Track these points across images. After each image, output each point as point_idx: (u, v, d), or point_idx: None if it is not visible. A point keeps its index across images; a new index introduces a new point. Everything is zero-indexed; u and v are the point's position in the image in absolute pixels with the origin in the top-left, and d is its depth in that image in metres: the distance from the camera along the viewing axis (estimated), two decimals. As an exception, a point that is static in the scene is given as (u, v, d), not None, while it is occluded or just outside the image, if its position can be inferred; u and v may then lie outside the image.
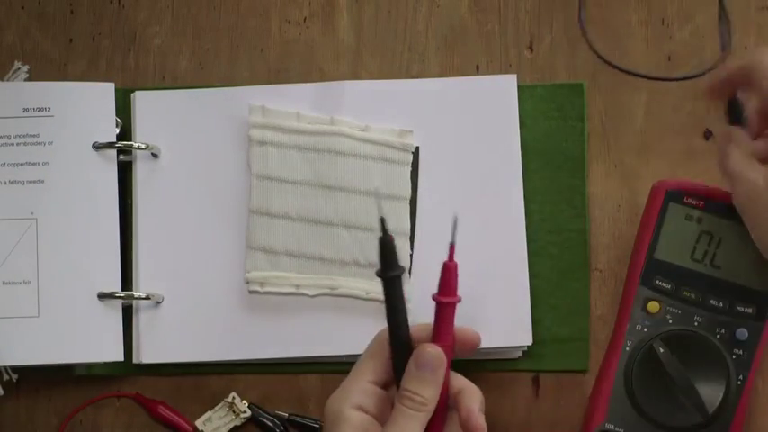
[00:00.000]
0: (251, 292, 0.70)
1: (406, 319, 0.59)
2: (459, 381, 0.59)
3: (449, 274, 0.58)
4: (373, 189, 0.70)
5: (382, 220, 0.58)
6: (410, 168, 0.71)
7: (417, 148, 0.71)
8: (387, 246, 0.58)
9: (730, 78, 0.60)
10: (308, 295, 0.69)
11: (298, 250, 0.70)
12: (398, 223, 0.70)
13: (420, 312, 0.69)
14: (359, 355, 0.69)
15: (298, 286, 0.69)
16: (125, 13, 0.75)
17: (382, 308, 0.69)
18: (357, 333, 0.69)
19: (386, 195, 0.70)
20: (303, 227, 0.70)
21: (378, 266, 0.57)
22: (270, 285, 0.69)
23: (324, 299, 0.70)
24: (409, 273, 0.70)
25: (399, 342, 0.58)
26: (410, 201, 0.70)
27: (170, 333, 0.70)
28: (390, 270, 0.58)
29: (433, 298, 0.59)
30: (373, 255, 0.69)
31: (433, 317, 0.59)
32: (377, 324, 0.69)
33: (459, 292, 0.69)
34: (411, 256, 0.70)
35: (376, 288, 0.69)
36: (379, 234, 0.57)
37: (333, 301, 0.70)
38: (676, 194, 0.67)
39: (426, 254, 0.70)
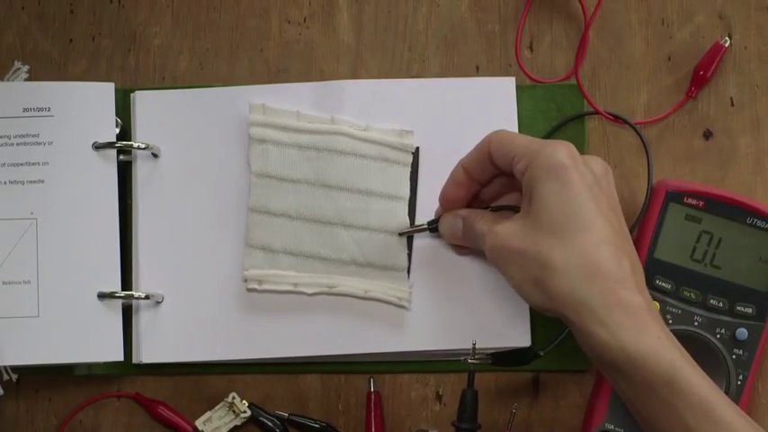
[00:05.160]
0: (249, 290, 0.70)
1: None
2: None
3: None
4: (374, 190, 0.70)
5: (471, 374, 0.64)
6: (410, 169, 0.71)
7: (417, 148, 0.71)
8: (467, 398, 0.64)
9: (469, 166, 0.65)
10: (306, 294, 0.69)
11: (296, 249, 0.70)
12: (396, 223, 0.70)
13: (420, 314, 0.69)
14: (359, 354, 0.69)
15: (296, 284, 0.69)
16: (125, 13, 0.75)
17: (381, 307, 0.69)
18: (356, 333, 0.69)
19: (384, 195, 0.70)
20: (302, 225, 0.70)
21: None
22: (268, 283, 0.69)
23: (323, 299, 0.70)
24: (408, 273, 0.70)
25: None
26: (409, 201, 0.70)
27: (170, 333, 0.70)
28: (465, 422, 0.64)
29: None
30: (372, 254, 0.69)
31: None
32: (375, 324, 0.69)
33: (460, 291, 0.70)
34: (409, 255, 0.70)
35: (375, 287, 0.69)
36: (469, 360, 0.64)
37: (332, 300, 0.70)
38: (676, 194, 0.67)
39: (425, 254, 0.70)
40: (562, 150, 0.58)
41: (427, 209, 0.70)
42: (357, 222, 0.70)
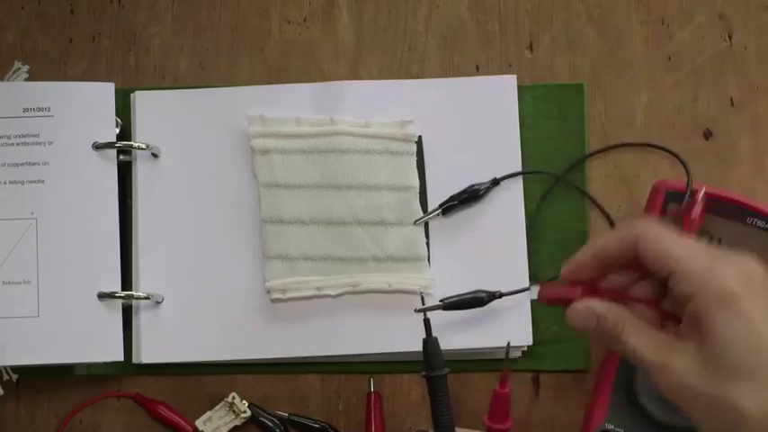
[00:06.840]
0: (273, 300, 0.69)
1: (451, 415, 0.62)
2: None
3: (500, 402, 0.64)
4: (381, 183, 0.70)
5: (427, 322, 0.63)
6: (415, 158, 0.71)
7: (420, 137, 0.71)
8: (430, 347, 0.63)
9: (604, 254, 0.53)
10: (330, 296, 0.69)
11: (315, 253, 0.70)
12: (410, 214, 0.70)
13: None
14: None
15: (319, 288, 0.69)
16: (125, 13, 0.75)
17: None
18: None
19: (394, 187, 0.70)
20: (317, 229, 0.70)
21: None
22: (291, 291, 0.69)
23: (343, 299, 0.69)
24: (428, 261, 0.70)
25: None
26: (419, 189, 0.70)
27: (170, 333, 0.70)
28: (434, 370, 0.62)
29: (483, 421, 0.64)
30: (390, 247, 0.69)
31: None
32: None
33: (461, 291, 0.70)
34: (428, 244, 0.70)
35: (398, 279, 0.69)
36: (418, 306, 0.65)
37: (353, 299, 0.69)
38: (676, 194, 0.67)
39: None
40: (734, 276, 0.49)
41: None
42: (371, 218, 0.70)
